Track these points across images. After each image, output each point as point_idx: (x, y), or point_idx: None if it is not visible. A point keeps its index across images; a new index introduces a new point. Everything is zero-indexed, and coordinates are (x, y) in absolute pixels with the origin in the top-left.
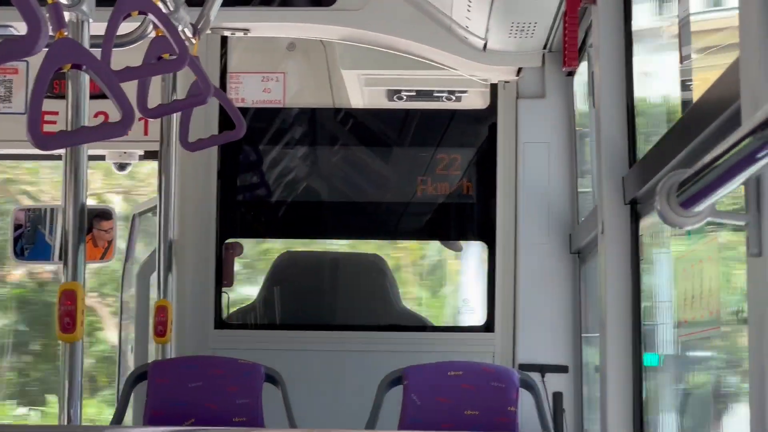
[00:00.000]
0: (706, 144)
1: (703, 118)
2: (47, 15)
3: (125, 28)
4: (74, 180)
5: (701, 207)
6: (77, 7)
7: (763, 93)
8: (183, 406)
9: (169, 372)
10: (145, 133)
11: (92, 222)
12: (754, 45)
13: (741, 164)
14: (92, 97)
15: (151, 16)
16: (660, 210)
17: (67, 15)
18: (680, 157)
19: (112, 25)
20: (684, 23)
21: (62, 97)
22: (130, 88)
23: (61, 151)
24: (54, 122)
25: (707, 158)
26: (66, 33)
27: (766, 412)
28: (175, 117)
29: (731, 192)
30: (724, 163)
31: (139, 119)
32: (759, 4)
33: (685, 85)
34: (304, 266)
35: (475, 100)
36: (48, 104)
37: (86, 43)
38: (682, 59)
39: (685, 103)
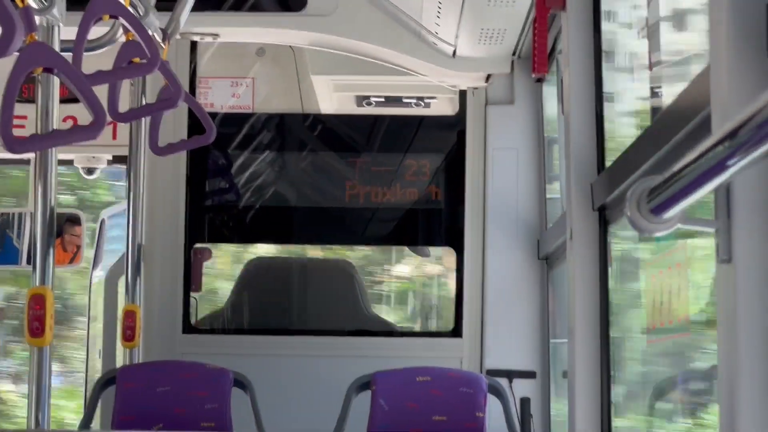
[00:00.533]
0: (675, 151)
1: (672, 126)
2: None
3: (96, 32)
4: (43, 184)
5: (671, 213)
6: (48, 11)
7: (733, 100)
8: (151, 411)
9: (137, 377)
10: (114, 138)
11: (63, 226)
12: (723, 52)
13: (711, 172)
14: (62, 101)
15: (122, 20)
16: (630, 216)
17: (37, 19)
18: (649, 164)
19: (83, 29)
20: (653, 29)
21: (30, 101)
22: (101, 92)
23: (30, 156)
24: (23, 126)
25: (678, 165)
26: (37, 37)
27: (735, 416)
28: (144, 121)
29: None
30: (694, 171)
31: (108, 123)
32: (728, 12)
33: (654, 92)
34: (274, 272)
35: (443, 107)
36: (16, 108)
37: (57, 47)
38: (651, 66)
39: (654, 110)
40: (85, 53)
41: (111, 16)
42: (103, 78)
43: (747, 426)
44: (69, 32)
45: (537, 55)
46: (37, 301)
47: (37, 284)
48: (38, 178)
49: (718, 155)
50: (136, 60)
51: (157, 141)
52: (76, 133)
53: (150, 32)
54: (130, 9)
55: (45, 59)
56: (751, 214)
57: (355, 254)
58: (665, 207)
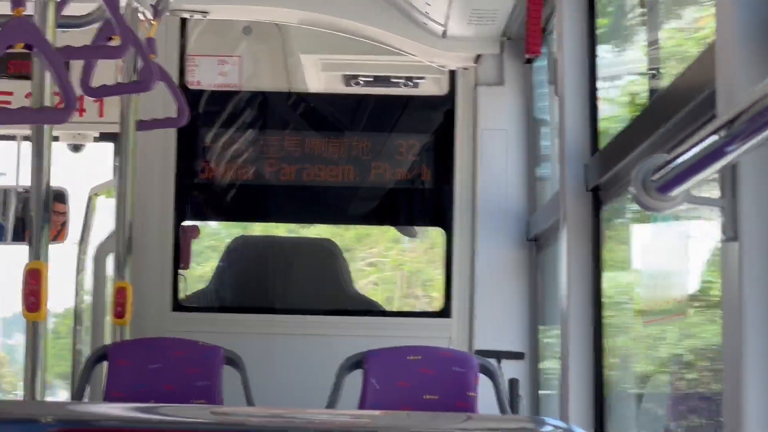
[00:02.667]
0: (675, 130)
1: (672, 105)
2: None
3: (86, 8)
4: (39, 160)
5: (677, 191)
6: None
7: (739, 80)
8: (142, 388)
9: (129, 353)
10: (101, 115)
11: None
12: (730, 32)
13: (715, 154)
14: None
15: (91, 4)
16: (636, 194)
17: None
18: (646, 145)
19: (60, 6)
20: (652, 7)
21: (18, 77)
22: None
23: (17, 132)
24: (9, 102)
25: (684, 145)
26: (24, 12)
27: (740, 390)
28: (133, 98)
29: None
30: (700, 152)
31: (94, 101)
32: None
33: (651, 74)
34: (258, 250)
35: (432, 87)
36: (3, 85)
37: (51, 23)
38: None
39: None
40: (74, 29)
41: None
42: (72, 54)
43: (751, 400)
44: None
45: (530, 36)
46: (33, 276)
47: (34, 259)
48: (34, 155)
49: (723, 138)
50: (116, 38)
51: (90, 82)
52: (44, 114)
53: (140, 9)
54: None
55: (26, 35)
56: (757, 192)
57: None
58: (671, 186)
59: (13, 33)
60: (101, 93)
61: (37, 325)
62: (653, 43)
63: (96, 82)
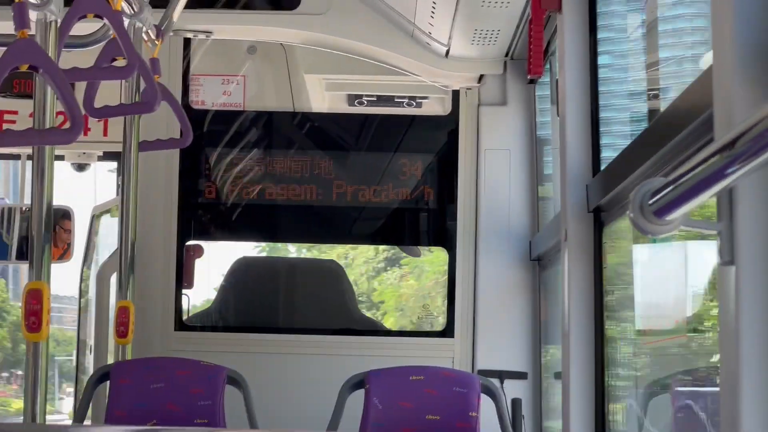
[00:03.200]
0: (675, 152)
1: (671, 127)
2: (12, 13)
3: (89, 28)
4: (40, 180)
5: (674, 215)
6: (46, 7)
7: (736, 103)
8: (145, 408)
9: (131, 373)
10: (105, 134)
11: (55, 222)
12: (727, 54)
13: (715, 176)
14: None
15: (105, 21)
16: (633, 218)
17: (34, 15)
18: (647, 166)
19: (65, 27)
20: (651, 29)
21: (23, 96)
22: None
23: (21, 151)
24: (13, 122)
25: (682, 168)
26: (28, 33)
27: (737, 417)
28: (136, 118)
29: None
30: (697, 175)
31: (98, 121)
32: (732, 12)
33: (652, 94)
34: (261, 271)
35: (435, 107)
36: (8, 104)
37: (53, 43)
38: (648, 67)
39: (651, 113)
40: (78, 49)
41: (96, 16)
42: (78, 75)
43: (748, 423)
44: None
45: (532, 57)
46: (34, 296)
47: (35, 279)
48: (35, 174)
49: (721, 161)
50: (120, 59)
51: (93, 103)
52: (51, 135)
53: (144, 29)
54: (124, 5)
55: (31, 57)
56: (754, 216)
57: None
58: (668, 209)
59: (19, 55)
60: (104, 114)
61: (37, 345)
62: (653, 65)
63: (99, 101)
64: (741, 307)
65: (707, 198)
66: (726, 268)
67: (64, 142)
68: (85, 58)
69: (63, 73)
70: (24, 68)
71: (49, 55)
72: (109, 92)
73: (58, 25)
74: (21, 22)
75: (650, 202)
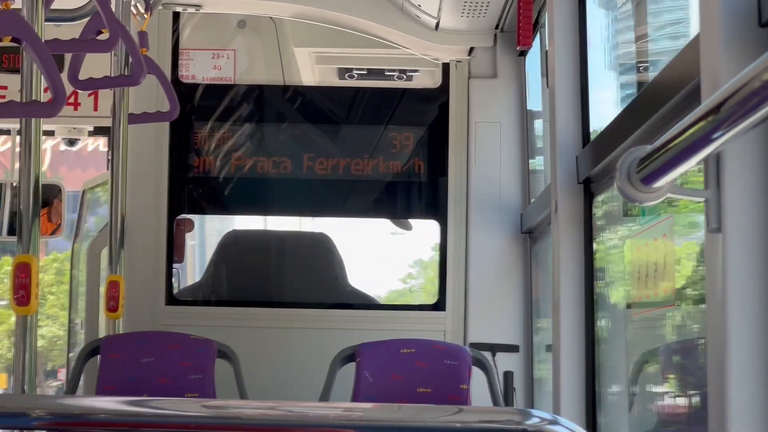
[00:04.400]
0: (663, 122)
1: (659, 97)
2: None
3: (77, 2)
4: (28, 154)
5: (661, 183)
6: None
7: (723, 70)
8: (135, 381)
9: (121, 347)
10: (95, 109)
11: (49, 197)
12: (714, 22)
13: (700, 142)
14: None
15: None
16: (620, 185)
17: None
18: (636, 136)
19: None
20: (639, 2)
21: (12, 71)
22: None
23: (12, 126)
24: (3, 96)
25: (667, 135)
26: (12, 5)
27: (725, 385)
28: (125, 92)
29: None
30: (683, 141)
31: (89, 95)
32: None
33: (640, 66)
34: (251, 244)
35: (426, 80)
36: None
37: (41, 17)
38: (637, 39)
39: (639, 84)
40: (65, 23)
41: None
42: (60, 47)
43: (736, 396)
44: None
45: (522, 28)
46: (23, 270)
47: (24, 252)
48: (24, 148)
49: (707, 126)
50: (105, 32)
51: (77, 74)
52: (33, 108)
53: (132, 2)
54: None
55: (14, 29)
56: (741, 183)
57: None
58: (655, 177)
59: (2, 27)
60: (89, 86)
61: (26, 318)
62: (641, 37)
63: (90, 73)
64: (728, 274)
65: (694, 164)
66: (713, 235)
67: (46, 115)
68: (75, 31)
69: (45, 46)
70: (7, 41)
71: (38, 28)
72: (101, 64)
73: None
74: None
75: (637, 169)
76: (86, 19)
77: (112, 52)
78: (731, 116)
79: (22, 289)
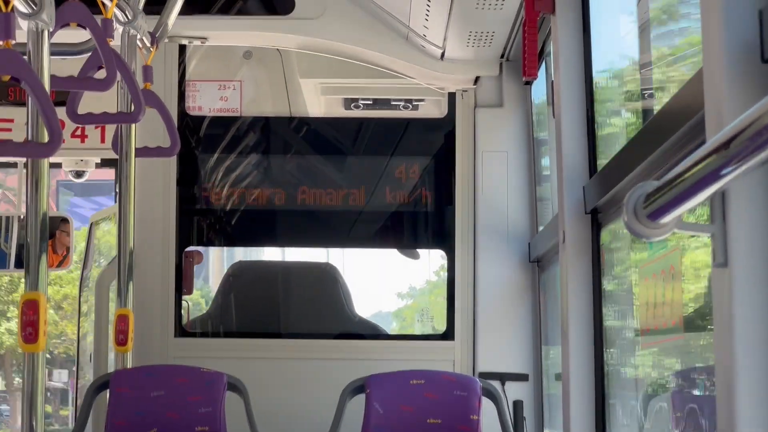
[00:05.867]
0: (669, 153)
1: (665, 128)
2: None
3: (81, 36)
4: (35, 188)
5: (668, 218)
6: (37, 16)
7: (727, 105)
8: (145, 416)
9: (131, 381)
10: (102, 141)
11: (55, 229)
12: (717, 57)
13: (707, 179)
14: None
15: (87, 32)
16: (627, 221)
17: (25, 24)
18: (642, 167)
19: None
20: (643, 30)
21: (18, 104)
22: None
23: (19, 160)
24: (9, 129)
25: (673, 172)
26: (12, 44)
27: (734, 418)
28: (133, 125)
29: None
30: (691, 177)
31: (95, 127)
32: (721, 16)
33: (645, 94)
34: (258, 275)
35: (431, 109)
36: (4, 112)
37: (46, 52)
38: (641, 67)
39: (645, 112)
40: (69, 57)
41: (79, 25)
42: (59, 85)
43: (744, 427)
44: (61, 36)
45: (527, 59)
46: (30, 307)
47: (31, 289)
48: (30, 183)
49: (715, 162)
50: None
51: (76, 109)
52: (29, 149)
53: (138, 36)
54: (117, 12)
55: (13, 68)
56: (747, 218)
57: None
58: (662, 212)
59: (1, 65)
60: (87, 121)
61: (34, 356)
62: (646, 65)
63: (96, 105)
64: (735, 309)
65: (702, 200)
66: (720, 269)
67: (42, 155)
68: (79, 63)
69: (43, 86)
70: (6, 79)
71: (40, 63)
72: (106, 97)
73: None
74: (6, 32)
75: (644, 205)
76: (89, 54)
77: (117, 85)
78: (740, 153)
79: (30, 326)
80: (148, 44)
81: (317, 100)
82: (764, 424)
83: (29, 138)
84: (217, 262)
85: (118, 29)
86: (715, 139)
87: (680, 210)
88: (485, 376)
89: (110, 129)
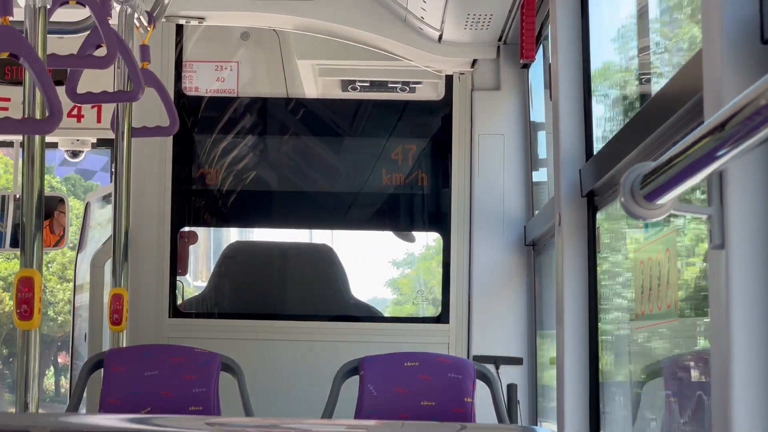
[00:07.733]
0: (666, 136)
1: (662, 111)
2: None
3: (81, 14)
4: (31, 168)
5: (664, 200)
6: None
7: (726, 87)
8: (139, 395)
9: (125, 360)
10: (98, 121)
11: (53, 209)
12: (716, 39)
13: (704, 160)
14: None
15: (85, 10)
16: (624, 202)
17: (23, 1)
18: (639, 150)
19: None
20: (641, 15)
21: (15, 83)
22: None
23: (14, 138)
24: (6, 109)
25: (670, 153)
26: (10, 20)
27: (728, 401)
28: (128, 104)
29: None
30: (686, 159)
31: (92, 107)
32: None
33: (642, 79)
34: (254, 256)
35: (429, 92)
36: (1, 90)
37: (42, 29)
38: (639, 51)
39: (642, 97)
40: (69, 35)
41: (78, 2)
42: (57, 62)
43: (740, 411)
44: (59, 15)
45: (524, 41)
46: (26, 284)
47: (27, 267)
48: (26, 162)
49: (710, 144)
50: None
51: (76, 88)
52: (28, 126)
53: (135, 15)
54: None
55: (12, 45)
56: (744, 199)
57: None
58: (658, 193)
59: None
60: (87, 100)
61: (29, 334)
62: (644, 49)
63: (94, 85)
64: (731, 291)
65: (698, 181)
66: (716, 252)
67: (41, 132)
68: (77, 42)
69: (42, 62)
70: (5, 55)
71: (39, 41)
72: (104, 76)
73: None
74: (4, 8)
75: (641, 186)
76: (88, 32)
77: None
78: (736, 134)
79: (25, 304)
80: (146, 23)
81: (314, 82)
82: (759, 406)
83: (24, 112)
84: (203, 243)
85: (116, 8)
86: (711, 120)
87: (677, 191)
88: (480, 359)
89: (107, 109)
